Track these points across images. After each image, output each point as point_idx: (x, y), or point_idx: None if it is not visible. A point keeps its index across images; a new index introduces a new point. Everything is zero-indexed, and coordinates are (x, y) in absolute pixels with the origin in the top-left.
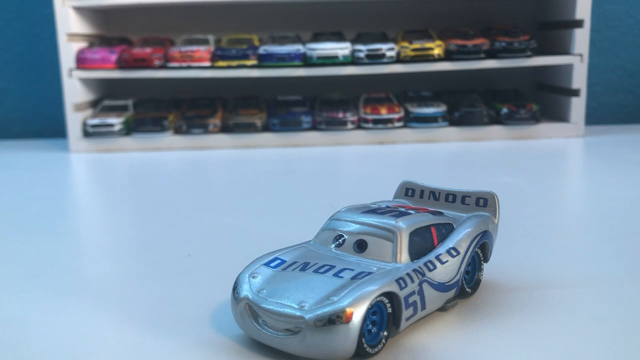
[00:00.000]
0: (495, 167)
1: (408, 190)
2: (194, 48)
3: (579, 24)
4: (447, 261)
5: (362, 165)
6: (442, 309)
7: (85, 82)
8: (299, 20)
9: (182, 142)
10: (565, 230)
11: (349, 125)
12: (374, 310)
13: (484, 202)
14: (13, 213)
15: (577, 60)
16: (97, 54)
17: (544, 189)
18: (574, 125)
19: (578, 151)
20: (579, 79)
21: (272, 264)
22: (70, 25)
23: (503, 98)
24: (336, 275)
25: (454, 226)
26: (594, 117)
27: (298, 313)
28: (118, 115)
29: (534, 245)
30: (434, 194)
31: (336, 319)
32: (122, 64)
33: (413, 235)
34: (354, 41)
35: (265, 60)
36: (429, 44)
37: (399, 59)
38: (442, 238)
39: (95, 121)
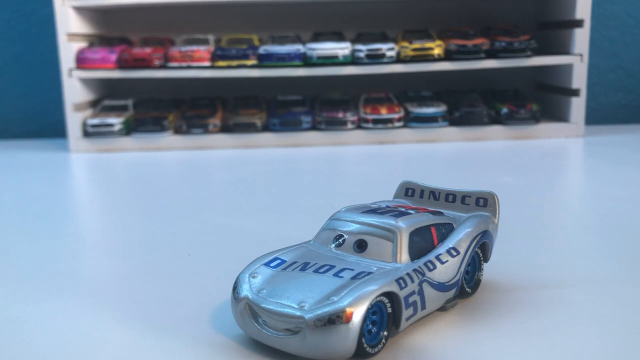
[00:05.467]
0: (495, 167)
1: (408, 190)
2: (194, 48)
3: (579, 23)
4: (447, 261)
5: (362, 165)
6: (442, 309)
7: (85, 82)
8: (299, 20)
9: (182, 142)
10: (565, 230)
11: (349, 125)
12: (374, 310)
13: (484, 202)
14: (13, 213)
15: (577, 60)
16: (97, 54)
17: (544, 189)
18: (574, 125)
19: (578, 151)
20: (579, 79)
21: (272, 264)
22: (70, 25)
23: (503, 98)
24: (336, 275)
25: (454, 226)
26: (594, 117)
27: (298, 313)
28: (118, 115)
29: (534, 245)
30: (434, 194)
31: (336, 319)
32: (122, 64)
33: (413, 235)
34: (354, 41)
35: (265, 60)
36: (429, 44)
37: (399, 59)
38: (442, 238)
39: (95, 121)
